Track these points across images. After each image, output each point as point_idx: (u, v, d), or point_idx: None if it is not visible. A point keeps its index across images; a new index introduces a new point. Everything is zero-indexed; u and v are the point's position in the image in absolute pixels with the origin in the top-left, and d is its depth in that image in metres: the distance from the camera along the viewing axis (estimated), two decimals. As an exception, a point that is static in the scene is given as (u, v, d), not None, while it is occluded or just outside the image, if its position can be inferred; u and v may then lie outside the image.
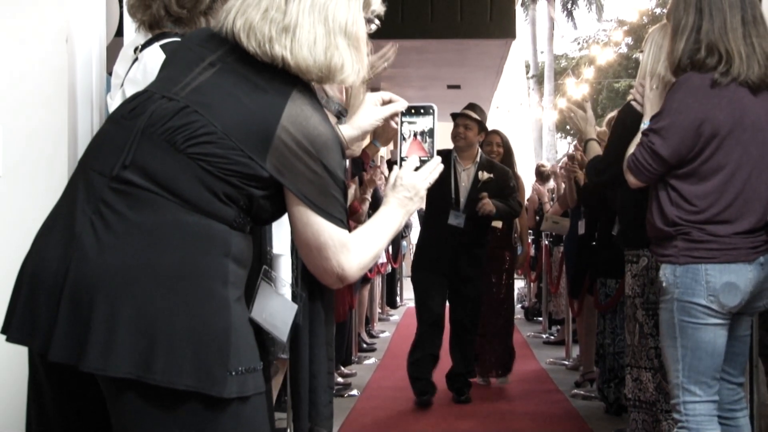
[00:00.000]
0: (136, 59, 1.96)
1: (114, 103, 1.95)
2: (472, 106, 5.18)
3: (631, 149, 2.47)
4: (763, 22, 2.41)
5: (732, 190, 2.34)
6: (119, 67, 2.04)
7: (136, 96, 1.51)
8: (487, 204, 4.89)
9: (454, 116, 5.17)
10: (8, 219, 2.07)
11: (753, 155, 2.35)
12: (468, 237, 4.95)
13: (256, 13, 1.47)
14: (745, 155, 2.34)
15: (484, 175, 4.98)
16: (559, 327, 7.43)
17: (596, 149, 3.07)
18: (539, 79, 24.75)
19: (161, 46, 1.91)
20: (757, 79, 2.34)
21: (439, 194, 4.84)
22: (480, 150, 5.17)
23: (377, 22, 1.62)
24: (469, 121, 5.07)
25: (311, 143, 1.45)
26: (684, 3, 2.41)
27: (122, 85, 1.96)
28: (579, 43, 26.45)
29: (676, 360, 2.38)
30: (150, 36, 1.97)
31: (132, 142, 1.42)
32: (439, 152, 4.81)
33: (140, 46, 1.96)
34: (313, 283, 1.66)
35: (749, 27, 2.36)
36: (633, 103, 2.77)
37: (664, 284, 2.40)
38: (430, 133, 1.68)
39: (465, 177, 5.04)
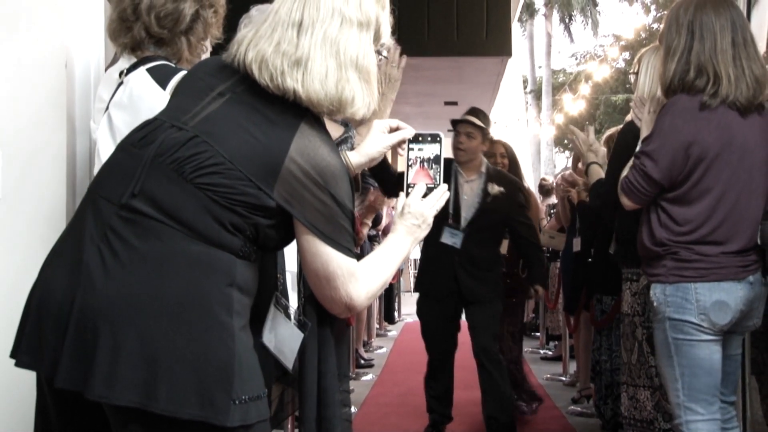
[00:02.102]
0: (121, 83, 1.97)
1: (99, 128, 1.94)
2: (474, 111, 4.53)
3: (625, 171, 2.50)
4: (754, 45, 2.44)
5: (721, 212, 2.37)
6: (103, 92, 2.05)
7: (146, 124, 1.53)
8: (540, 291, 4.63)
9: (454, 123, 4.51)
10: (8, 240, 2.10)
11: (742, 177, 2.38)
12: (469, 259, 4.31)
13: (269, 45, 1.49)
14: (734, 177, 2.37)
15: (495, 189, 4.35)
16: (556, 342, 7.44)
17: (598, 173, 3.01)
18: (537, 94, 24.86)
19: (147, 70, 1.93)
20: (745, 100, 2.37)
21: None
22: (485, 159, 4.53)
23: (385, 53, 1.65)
24: (471, 128, 4.41)
25: (319, 174, 1.47)
26: (676, 25, 2.45)
27: (107, 109, 1.96)
28: (576, 58, 26.60)
29: (674, 379, 2.40)
30: (135, 60, 1.99)
31: (141, 170, 1.44)
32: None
33: (125, 70, 1.97)
34: (322, 309, 1.67)
35: (739, 49, 2.39)
36: (635, 120, 2.79)
37: (655, 304, 2.43)
38: (437, 160, 1.70)
39: (468, 189, 4.37)
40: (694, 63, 2.39)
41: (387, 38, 1.63)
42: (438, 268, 4.37)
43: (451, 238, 4.28)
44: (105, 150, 1.88)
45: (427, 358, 4.53)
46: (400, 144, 1.79)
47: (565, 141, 26.81)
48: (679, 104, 2.39)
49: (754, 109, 2.40)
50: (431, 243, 4.31)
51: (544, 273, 4.57)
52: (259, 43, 1.50)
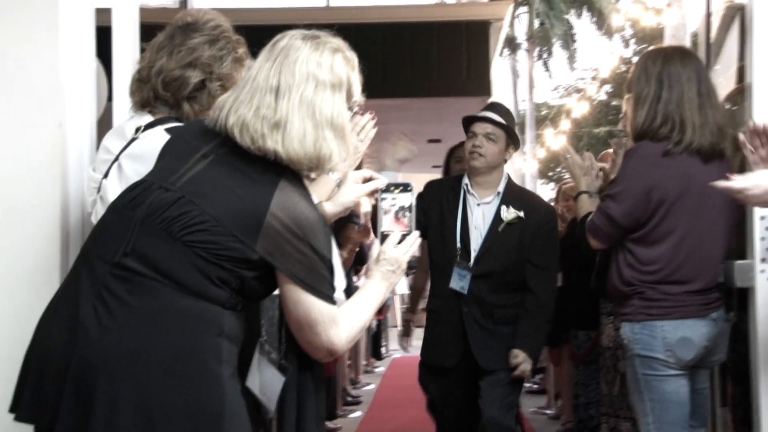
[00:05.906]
0: (135, 138, 2.04)
1: (108, 177, 2.02)
2: (495, 107, 3.36)
3: (592, 213, 2.63)
4: (716, 95, 2.58)
5: (682, 253, 2.47)
6: (111, 144, 2.10)
7: (136, 186, 1.64)
8: (522, 364, 3.10)
9: (468, 121, 3.31)
10: (3, 296, 2.19)
11: (702, 220, 2.49)
12: (482, 311, 3.17)
13: (248, 110, 1.59)
14: (694, 220, 2.48)
15: (510, 214, 3.17)
16: (542, 375, 7.49)
17: (587, 205, 2.77)
18: (521, 128, 25.11)
19: (165, 129, 1.99)
20: (709, 146, 2.49)
21: (442, 243, 3.24)
22: (506, 174, 3.33)
23: (356, 109, 1.76)
24: (492, 127, 3.20)
25: (299, 227, 1.56)
26: (645, 75, 2.58)
27: (116, 160, 2.03)
28: (559, 92, 26.97)
29: (645, 413, 2.49)
30: (153, 119, 2.07)
31: (132, 231, 1.54)
32: (448, 179, 4.13)
33: (143, 127, 2.05)
34: (302, 354, 1.77)
35: (704, 99, 2.52)
36: None
37: (625, 341, 2.53)
38: (409, 208, 1.80)
39: (480, 215, 3.23)
40: (661, 111, 2.51)
41: (358, 95, 1.74)
42: (443, 326, 3.25)
43: (459, 282, 3.17)
44: (114, 196, 1.94)
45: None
46: (373, 194, 1.90)
47: (549, 173, 27.04)
48: (641, 150, 2.53)
49: (716, 155, 2.52)
50: (435, 292, 3.33)
51: (538, 343, 3.23)
52: (240, 108, 1.60)
